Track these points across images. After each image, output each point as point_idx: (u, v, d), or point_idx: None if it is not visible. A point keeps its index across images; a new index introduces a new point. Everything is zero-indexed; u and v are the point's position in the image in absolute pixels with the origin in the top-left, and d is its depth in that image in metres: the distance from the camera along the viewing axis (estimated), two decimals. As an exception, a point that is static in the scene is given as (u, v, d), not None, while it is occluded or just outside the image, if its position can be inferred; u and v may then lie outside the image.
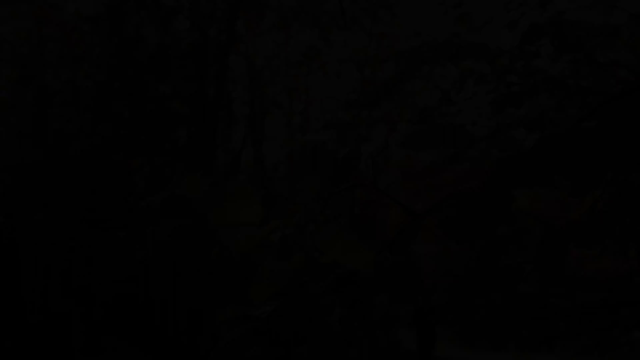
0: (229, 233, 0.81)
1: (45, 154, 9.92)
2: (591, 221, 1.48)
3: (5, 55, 12.85)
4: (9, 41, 14.32)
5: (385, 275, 1.21)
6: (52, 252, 11.53)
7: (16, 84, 15.46)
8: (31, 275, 13.76)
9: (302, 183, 0.97)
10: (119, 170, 13.69)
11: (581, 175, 0.98)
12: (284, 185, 17.08)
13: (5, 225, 16.36)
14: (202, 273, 9.81)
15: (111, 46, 11.89)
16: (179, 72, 11.65)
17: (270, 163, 16.10)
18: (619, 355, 18.46)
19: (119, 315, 13.44)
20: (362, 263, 0.90)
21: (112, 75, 10.65)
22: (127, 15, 10.55)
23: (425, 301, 8.09)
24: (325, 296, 1.20)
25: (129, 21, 10.73)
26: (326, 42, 10.66)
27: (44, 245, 13.67)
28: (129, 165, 11.81)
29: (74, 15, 12.86)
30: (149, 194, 10.62)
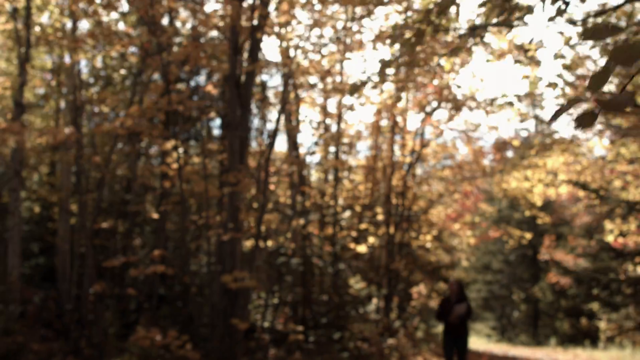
0: None
1: (79, 141, 9.86)
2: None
3: (40, 44, 12.86)
4: (43, 29, 14.36)
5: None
6: (87, 241, 11.48)
7: (51, 73, 15.54)
8: (67, 263, 13.79)
9: None
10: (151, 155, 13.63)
11: None
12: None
13: (43, 216, 16.49)
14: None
15: (144, 31, 11.79)
16: (211, 55, 11.51)
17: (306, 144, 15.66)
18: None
19: (153, 300, 13.37)
20: None
21: (146, 59, 10.54)
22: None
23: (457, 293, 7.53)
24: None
25: (162, 6, 10.59)
26: (359, 21, 10.39)
27: (80, 234, 13.68)
28: (162, 150, 11.71)
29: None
30: (181, 179, 10.46)
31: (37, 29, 13.86)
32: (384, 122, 17.45)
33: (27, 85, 13.65)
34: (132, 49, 15.01)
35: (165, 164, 10.72)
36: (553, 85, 6.86)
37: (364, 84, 4.48)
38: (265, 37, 10.62)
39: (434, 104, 17.12)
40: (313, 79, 13.04)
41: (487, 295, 32.41)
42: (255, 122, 18.01)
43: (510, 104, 9.77)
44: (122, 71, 14.75)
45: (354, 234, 16.09)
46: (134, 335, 8.74)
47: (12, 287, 10.12)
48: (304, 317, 13.34)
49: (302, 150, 14.77)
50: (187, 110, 10.14)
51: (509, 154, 24.22)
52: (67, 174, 14.28)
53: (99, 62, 14.91)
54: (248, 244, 14.12)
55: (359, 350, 12.98)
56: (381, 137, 17.70)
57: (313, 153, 14.23)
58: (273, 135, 10.52)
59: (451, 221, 21.20)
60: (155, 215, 13.00)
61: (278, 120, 10.33)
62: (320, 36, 10.12)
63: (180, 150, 10.35)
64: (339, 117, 14.36)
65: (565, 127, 48.65)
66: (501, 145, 22.33)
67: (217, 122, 18.37)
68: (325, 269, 14.18)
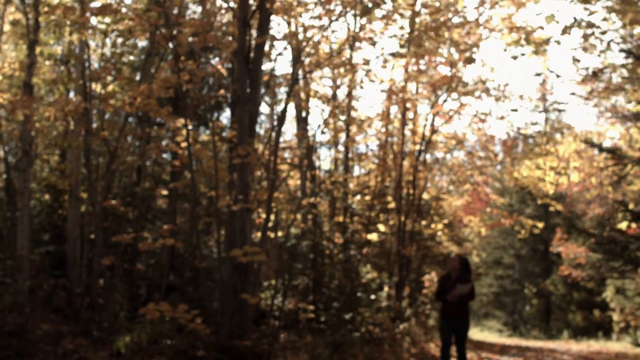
0: None
1: (87, 110, 9.79)
2: None
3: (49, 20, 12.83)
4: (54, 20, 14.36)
5: None
6: (96, 220, 11.42)
7: (60, 62, 15.53)
8: (77, 250, 13.77)
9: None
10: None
11: None
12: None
13: (54, 207, 16.45)
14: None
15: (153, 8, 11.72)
16: (220, 32, 11.46)
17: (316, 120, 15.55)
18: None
19: (163, 285, 13.33)
20: None
21: (155, 35, 10.44)
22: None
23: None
24: None
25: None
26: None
27: (90, 217, 13.67)
28: (172, 129, 11.65)
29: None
30: (190, 157, 10.35)
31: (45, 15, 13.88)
32: (394, 109, 17.34)
33: (36, 74, 13.67)
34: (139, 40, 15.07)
35: (175, 143, 10.65)
36: (569, 29, 6.70)
37: (376, 5, 4.38)
38: (273, 22, 10.55)
39: (444, 94, 17.04)
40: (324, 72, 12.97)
41: (499, 291, 32.22)
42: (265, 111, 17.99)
43: (527, 40, 9.52)
44: (132, 57, 14.72)
45: (364, 221, 15.98)
46: (143, 308, 8.65)
47: (20, 263, 10.06)
48: (315, 300, 13.25)
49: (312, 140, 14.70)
50: (196, 85, 10.06)
51: (520, 147, 24.04)
52: (77, 160, 14.26)
53: (107, 50, 14.89)
54: (258, 234, 14.07)
55: (370, 334, 12.88)
56: (391, 126, 17.58)
57: (323, 133, 14.16)
58: (282, 112, 10.44)
59: (462, 211, 21.05)
60: (164, 192, 12.95)
61: (288, 96, 10.25)
62: (329, 12, 10.03)
63: (190, 127, 10.24)
64: (349, 95, 14.23)
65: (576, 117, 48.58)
66: (511, 140, 22.16)
67: (227, 113, 18.35)
68: (334, 252, 14.08)
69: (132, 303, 12.61)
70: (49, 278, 13.84)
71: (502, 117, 18.61)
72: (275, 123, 12.55)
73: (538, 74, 11.93)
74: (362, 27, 12.52)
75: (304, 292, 13.63)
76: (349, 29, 14.26)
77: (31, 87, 11.12)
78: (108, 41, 14.38)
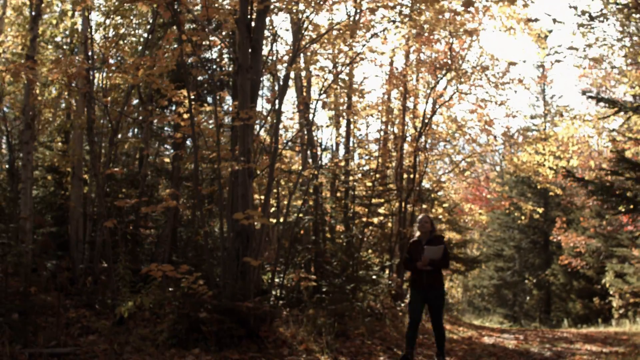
0: None
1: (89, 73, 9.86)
2: None
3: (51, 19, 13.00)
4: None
5: None
6: (99, 190, 11.51)
7: (62, 49, 15.66)
8: (80, 230, 13.85)
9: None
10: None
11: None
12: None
13: (57, 194, 16.53)
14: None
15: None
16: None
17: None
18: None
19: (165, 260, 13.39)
20: None
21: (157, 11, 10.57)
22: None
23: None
24: None
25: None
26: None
27: (92, 198, 13.76)
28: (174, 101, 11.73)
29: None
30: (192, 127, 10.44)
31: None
32: (395, 94, 17.46)
33: (38, 59, 13.77)
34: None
35: (177, 114, 10.72)
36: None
37: None
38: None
39: (443, 78, 17.14)
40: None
41: (499, 283, 32.29)
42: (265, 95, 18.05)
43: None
44: (133, 38, 14.85)
45: (366, 201, 16.08)
46: (145, 268, 8.70)
47: (23, 226, 10.14)
48: (316, 275, 13.33)
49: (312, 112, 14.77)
50: (200, 53, 10.15)
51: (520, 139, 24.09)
52: (79, 139, 14.36)
53: (110, 32, 15.00)
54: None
55: (372, 310, 12.96)
56: (391, 115, 17.68)
57: (324, 107, 14.23)
58: (284, 81, 10.54)
59: (463, 196, 21.14)
60: (166, 160, 13.03)
61: (290, 65, 10.32)
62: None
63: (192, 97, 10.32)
64: (350, 65, 14.29)
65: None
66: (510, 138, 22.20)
67: (229, 101, 18.48)
68: (335, 230, 14.16)
69: (134, 276, 12.67)
70: (52, 257, 13.93)
71: (501, 103, 18.73)
72: (276, 103, 12.60)
73: (535, 20, 11.90)
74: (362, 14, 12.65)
75: (306, 266, 13.72)
76: (348, 16, 14.40)
77: (34, 61, 11.22)
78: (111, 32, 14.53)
